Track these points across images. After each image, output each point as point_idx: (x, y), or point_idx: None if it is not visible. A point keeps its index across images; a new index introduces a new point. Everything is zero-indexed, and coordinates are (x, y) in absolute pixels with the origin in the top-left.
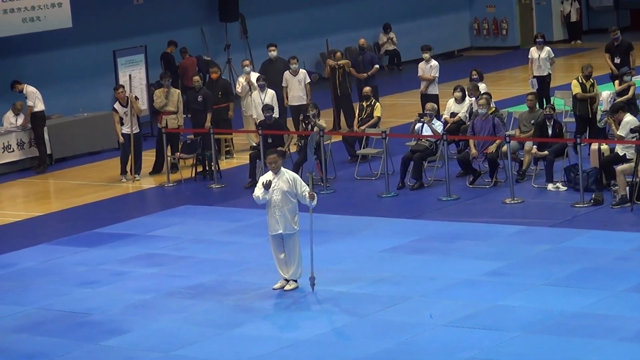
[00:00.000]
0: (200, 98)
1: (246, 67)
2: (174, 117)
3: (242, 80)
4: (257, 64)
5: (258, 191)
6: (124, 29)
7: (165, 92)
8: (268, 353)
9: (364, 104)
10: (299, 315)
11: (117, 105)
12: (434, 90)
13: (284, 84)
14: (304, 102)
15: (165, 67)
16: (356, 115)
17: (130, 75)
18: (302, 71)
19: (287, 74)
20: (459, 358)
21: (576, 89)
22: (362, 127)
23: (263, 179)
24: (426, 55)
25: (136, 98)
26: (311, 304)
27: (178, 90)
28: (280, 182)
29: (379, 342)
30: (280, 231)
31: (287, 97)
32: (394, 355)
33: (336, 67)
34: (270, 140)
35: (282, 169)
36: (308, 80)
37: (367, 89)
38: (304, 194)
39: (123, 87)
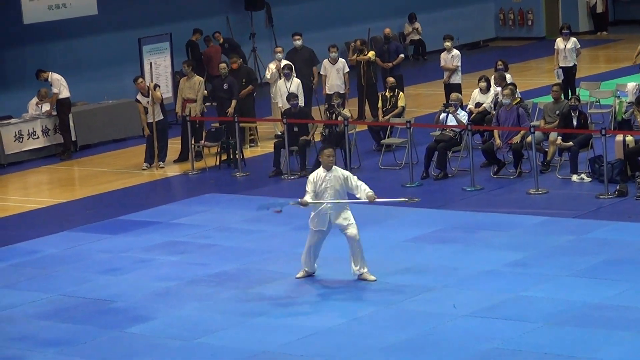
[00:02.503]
0: (226, 86)
1: (278, 54)
2: (195, 105)
3: (272, 66)
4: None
5: (308, 198)
6: (149, 17)
7: (186, 79)
8: (291, 341)
9: (388, 94)
10: (322, 304)
11: (139, 96)
12: (456, 79)
13: (322, 72)
14: (343, 91)
15: (191, 55)
16: (380, 105)
17: (151, 64)
18: (341, 60)
19: (326, 62)
20: (482, 348)
21: None
22: (387, 117)
23: (313, 177)
24: (448, 45)
25: (156, 86)
26: (334, 293)
27: (201, 78)
28: (333, 180)
29: (401, 331)
30: (324, 229)
31: (325, 86)
32: (416, 345)
33: (360, 55)
34: (295, 129)
35: (334, 165)
36: (347, 69)
37: (390, 79)
38: (360, 189)
39: (142, 77)
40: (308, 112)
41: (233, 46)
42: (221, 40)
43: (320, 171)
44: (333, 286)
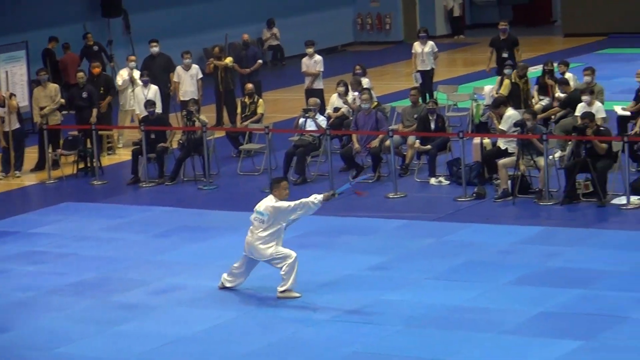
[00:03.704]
0: (85, 94)
1: (131, 63)
2: (54, 113)
3: (124, 73)
4: (140, 60)
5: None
6: (4, 25)
7: (42, 88)
8: (151, 349)
9: (246, 100)
10: (182, 312)
11: None
12: (318, 85)
13: (175, 79)
14: (196, 98)
15: (47, 63)
16: (239, 111)
17: (7, 72)
18: (195, 66)
19: (179, 68)
20: (342, 352)
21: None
22: (246, 123)
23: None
24: (310, 50)
25: (12, 95)
26: (195, 300)
27: (56, 86)
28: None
29: (263, 337)
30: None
31: (179, 92)
32: (278, 350)
33: (217, 62)
34: (153, 136)
35: None
36: (200, 75)
37: (249, 85)
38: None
39: None
40: (165, 118)
41: (102, 50)
42: (92, 42)
43: (270, 198)
44: (195, 294)
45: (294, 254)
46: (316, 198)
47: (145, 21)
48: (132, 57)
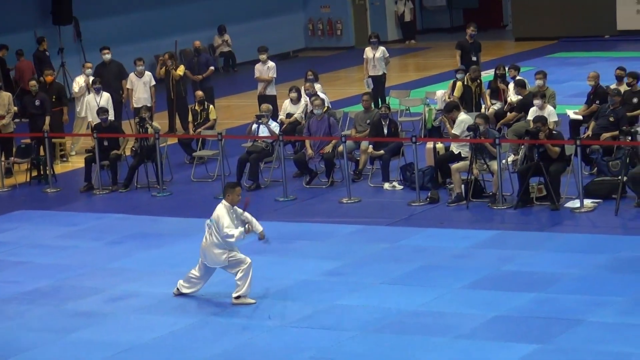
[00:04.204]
0: (37, 102)
1: (88, 69)
2: (6, 121)
3: (80, 80)
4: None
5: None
6: None
7: None
8: (106, 357)
9: (197, 108)
10: (137, 319)
11: None
12: (272, 91)
13: (128, 86)
14: (149, 105)
15: None
16: (190, 119)
17: None
18: (148, 73)
19: (132, 75)
20: (298, 358)
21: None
22: (199, 130)
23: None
24: (263, 57)
25: None
26: (149, 307)
27: (9, 94)
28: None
29: (218, 344)
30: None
31: (132, 99)
32: (233, 357)
33: (170, 70)
34: (106, 144)
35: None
36: (153, 82)
37: (199, 93)
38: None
39: None
40: (118, 126)
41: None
42: (45, 47)
43: (228, 207)
44: (149, 301)
45: (248, 260)
46: (240, 232)
47: (96, 28)
48: (89, 64)
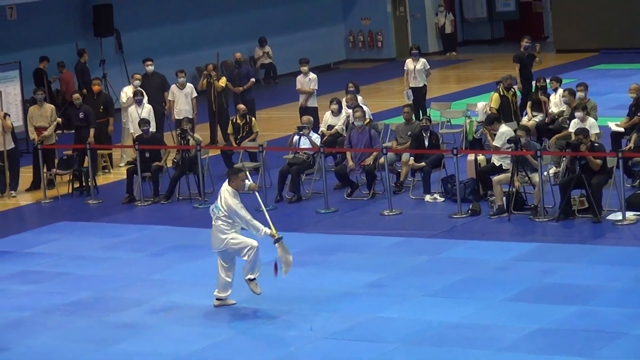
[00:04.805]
0: (81, 115)
1: (137, 81)
2: (48, 133)
3: (128, 90)
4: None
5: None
6: None
7: (38, 107)
8: None
9: (240, 122)
10: (178, 331)
11: None
12: (313, 103)
13: (170, 98)
14: (191, 116)
15: (37, 83)
16: (231, 130)
17: (1, 92)
18: (189, 85)
19: (174, 87)
20: None
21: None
22: (243, 143)
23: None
24: (304, 69)
25: (6, 115)
26: (191, 319)
27: (52, 106)
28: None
29: (259, 356)
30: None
31: (173, 111)
32: None
33: (212, 82)
34: (147, 155)
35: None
36: (195, 94)
37: (241, 106)
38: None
39: None
40: (160, 137)
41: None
42: (86, 58)
43: (234, 192)
44: (189, 312)
45: (255, 243)
46: (265, 232)
47: (137, 40)
48: (137, 75)
